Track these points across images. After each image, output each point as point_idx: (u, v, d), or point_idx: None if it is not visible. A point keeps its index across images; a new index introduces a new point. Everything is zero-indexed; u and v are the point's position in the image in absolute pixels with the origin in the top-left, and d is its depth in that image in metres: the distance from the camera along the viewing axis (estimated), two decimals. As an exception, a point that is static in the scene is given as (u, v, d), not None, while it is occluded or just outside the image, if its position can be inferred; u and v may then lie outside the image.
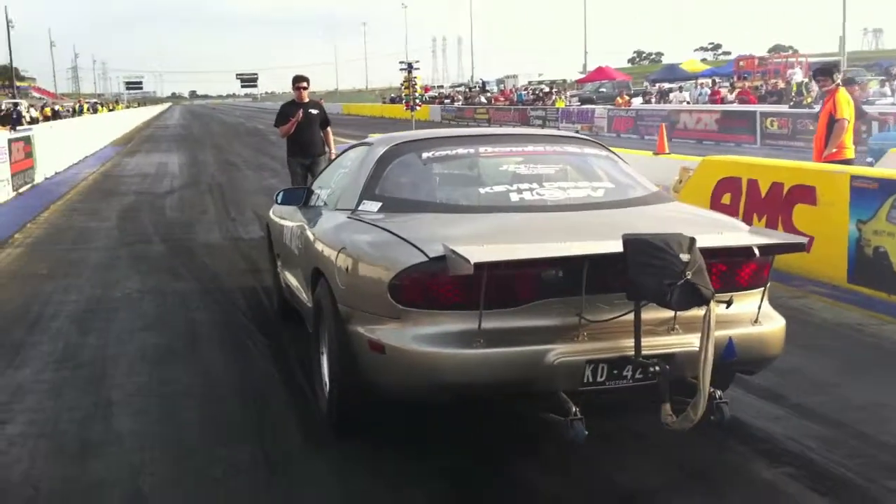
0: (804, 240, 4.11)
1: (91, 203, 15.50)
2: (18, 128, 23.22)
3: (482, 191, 4.75)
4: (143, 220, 13.06)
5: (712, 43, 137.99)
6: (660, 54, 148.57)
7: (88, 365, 5.80)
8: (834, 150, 9.26)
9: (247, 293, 7.80)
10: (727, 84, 42.82)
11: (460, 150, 5.14)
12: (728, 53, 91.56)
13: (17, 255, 10.24)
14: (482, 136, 5.75)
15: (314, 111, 10.75)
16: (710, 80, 43.93)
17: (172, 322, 6.90)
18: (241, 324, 6.79)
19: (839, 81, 9.60)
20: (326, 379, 4.52)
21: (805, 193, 8.18)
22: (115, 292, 8.02)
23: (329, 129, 10.96)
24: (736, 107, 32.35)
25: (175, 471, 4.14)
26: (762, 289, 4.13)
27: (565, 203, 4.55)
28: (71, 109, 60.28)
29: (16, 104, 45.49)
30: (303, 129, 10.60)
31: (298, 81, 10.77)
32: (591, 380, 3.77)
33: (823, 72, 9.75)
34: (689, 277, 3.49)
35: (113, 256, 9.99)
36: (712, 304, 3.57)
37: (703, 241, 3.69)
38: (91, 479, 4.04)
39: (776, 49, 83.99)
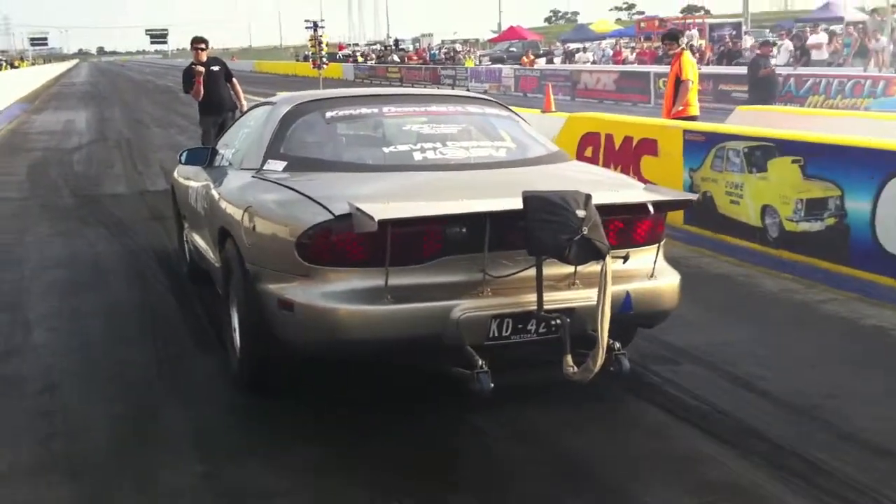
0: (694, 196, 4.29)
1: (1, 159, 15.94)
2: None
3: (386, 150, 4.85)
4: (51, 175, 13.64)
5: (627, 2, 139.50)
6: (576, 13, 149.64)
7: (6, 294, 6.61)
8: (680, 108, 10.42)
9: (150, 236, 8.63)
10: (632, 45, 44.22)
11: (364, 110, 5.23)
12: (642, 13, 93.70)
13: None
14: (386, 96, 5.84)
15: (215, 67, 11.08)
16: (612, 41, 45.28)
17: (81, 260, 7.69)
18: (143, 260, 7.64)
19: (684, 45, 10.74)
20: (238, 339, 4.59)
21: (649, 146, 9.33)
22: (27, 237, 8.77)
23: (235, 80, 11.30)
24: (631, 67, 33.66)
25: (82, 368, 5.04)
26: (657, 245, 4.33)
27: (467, 162, 4.67)
28: (-27, 66, 58.81)
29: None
30: (209, 87, 10.91)
31: (196, 43, 11.11)
32: (496, 334, 3.92)
33: (670, 36, 10.93)
34: (585, 233, 3.63)
35: (24, 207, 10.66)
36: (608, 258, 3.71)
37: (600, 198, 3.82)
38: (12, 375, 4.92)
39: (689, 10, 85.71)
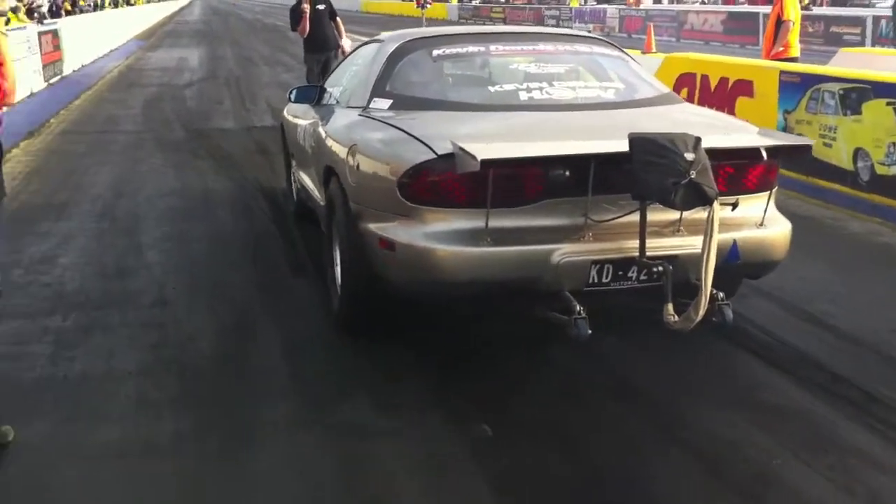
0: (811, 141, 4.00)
1: (118, 93, 16.72)
2: (45, 21, 24.20)
3: (492, 89, 4.78)
4: (165, 109, 14.28)
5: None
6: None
7: (122, 219, 7.14)
8: (780, 49, 10.30)
9: (256, 170, 9.09)
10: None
11: (471, 48, 5.12)
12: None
13: (55, 136, 11.60)
14: (494, 34, 5.71)
15: (321, 6, 11.22)
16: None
17: (191, 191, 8.19)
18: (248, 192, 8.09)
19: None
20: (339, 275, 4.65)
21: (745, 87, 9.29)
22: (142, 167, 9.34)
23: (339, 19, 11.48)
24: (739, 8, 32.75)
25: (189, 285, 5.49)
26: (769, 192, 4.12)
27: (574, 103, 4.56)
28: (92, 3, 60.79)
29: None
30: (314, 25, 11.10)
31: None
32: (595, 280, 3.84)
33: None
34: (693, 177, 3.49)
35: (139, 139, 11.29)
36: (716, 204, 3.57)
37: (710, 142, 3.66)
38: (127, 290, 5.39)
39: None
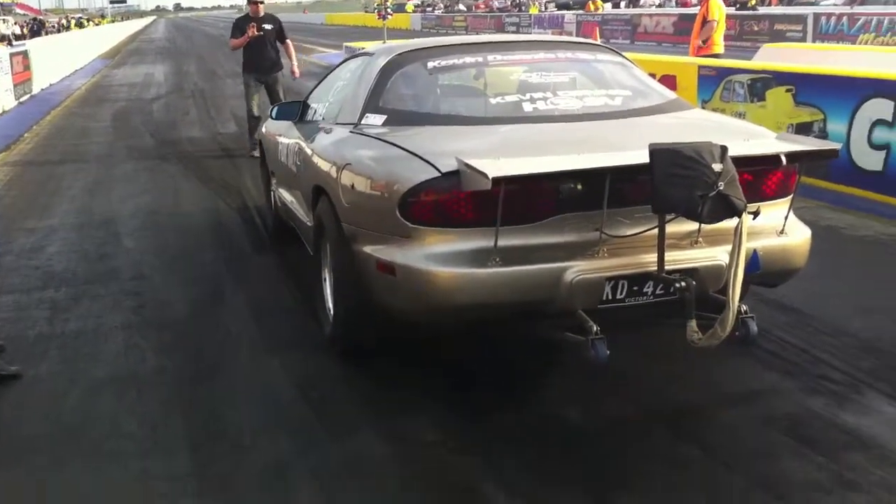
0: (837, 145, 3.81)
1: (87, 108, 17.40)
2: (14, 43, 24.84)
3: (493, 101, 4.52)
4: (134, 121, 14.98)
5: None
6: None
7: (99, 215, 7.87)
8: (703, 46, 11.23)
9: (221, 170, 9.85)
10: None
11: (467, 59, 4.86)
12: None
13: (31, 147, 12.32)
14: (489, 44, 5.38)
15: (269, 26, 10.67)
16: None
17: (162, 189, 8.94)
18: (215, 189, 8.84)
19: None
20: (330, 303, 4.46)
21: (669, 82, 10.14)
22: (115, 171, 10.07)
23: (289, 42, 11.02)
24: (688, 10, 33.80)
25: (163, 262, 6.26)
26: (789, 198, 3.97)
27: (582, 112, 4.31)
28: (57, 25, 61.21)
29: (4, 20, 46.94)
30: (257, 45, 10.56)
31: None
32: (610, 297, 3.65)
33: None
34: (721, 189, 3.32)
35: (111, 148, 12.00)
36: (744, 215, 3.41)
37: (735, 150, 3.50)
38: (108, 269, 6.14)
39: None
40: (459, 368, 4.33)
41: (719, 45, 11.39)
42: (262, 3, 10.80)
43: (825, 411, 3.70)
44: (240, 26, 10.73)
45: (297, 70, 11.22)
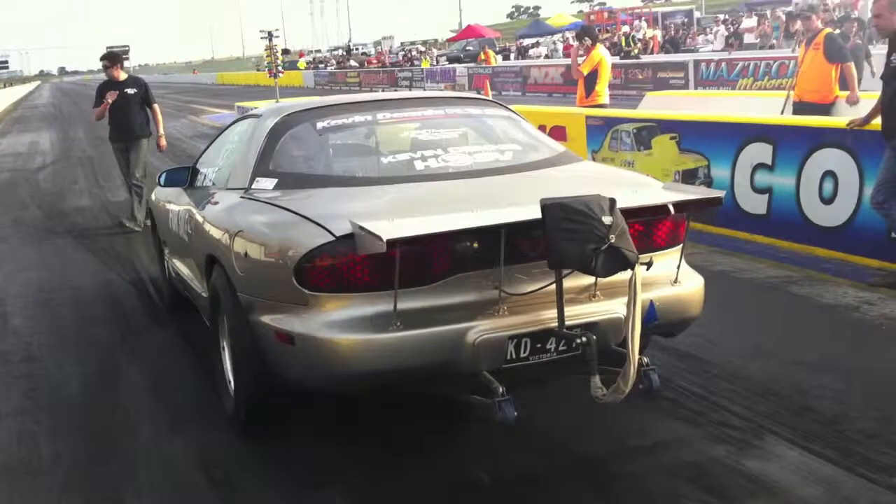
0: (721, 193, 3.91)
1: (-31, 181, 16.79)
2: None
3: (384, 160, 4.57)
4: (19, 193, 14.51)
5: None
6: (537, 8, 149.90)
7: (-15, 294, 7.58)
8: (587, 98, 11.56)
9: (111, 241, 9.63)
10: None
11: (357, 118, 4.83)
12: (604, 3, 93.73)
13: None
14: (378, 102, 5.35)
15: (132, 90, 10.09)
16: (560, 36, 46.61)
17: (50, 263, 8.69)
18: (104, 260, 8.62)
19: (593, 40, 11.81)
20: (230, 376, 4.34)
21: (559, 133, 10.40)
22: (1, 246, 9.72)
23: (156, 106, 10.32)
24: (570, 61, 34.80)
25: (55, 341, 6.06)
26: (680, 247, 4.03)
27: (473, 169, 4.34)
28: (-65, 94, 59.25)
29: None
30: (118, 110, 10.03)
31: (104, 60, 10.22)
32: (514, 356, 3.63)
33: (585, 31, 12.04)
34: (612, 241, 3.34)
35: (-5, 222, 11.60)
36: (637, 267, 3.44)
37: (623, 201, 3.53)
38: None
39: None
40: (368, 432, 4.29)
41: (604, 96, 11.70)
42: (109, 67, 10.16)
43: (728, 458, 3.78)
44: (100, 93, 10.17)
45: (163, 141, 10.48)
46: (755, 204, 7.43)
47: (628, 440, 4.04)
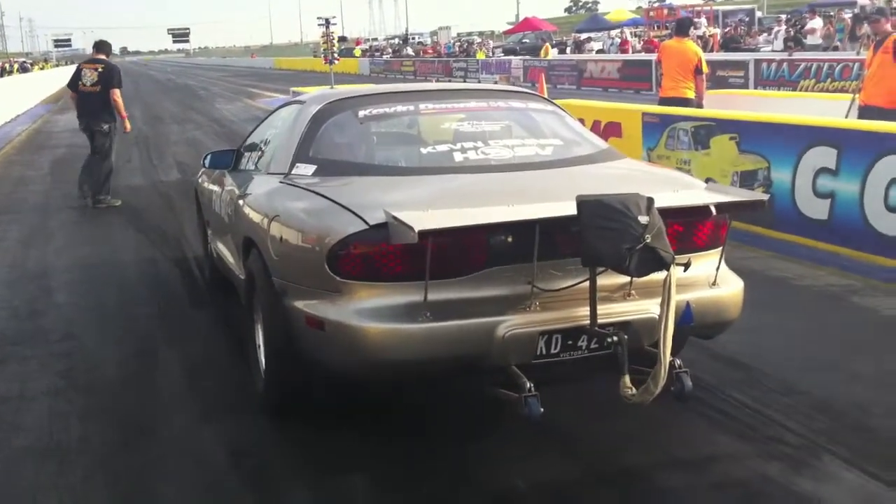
0: (764, 197, 3.81)
1: (26, 155, 17.01)
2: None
3: (423, 151, 4.50)
4: (74, 168, 14.59)
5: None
6: (596, 3, 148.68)
7: (33, 268, 7.59)
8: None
9: (160, 220, 9.64)
10: (639, 34, 44.98)
11: (399, 108, 4.80)
12: (663, 0, 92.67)
13: (-34, 197, 11.91)
14: (421, 92, 5.37)
15: (94, 84, 10.47)
16: (620, 31, 46.14)
17: (100, 238, 8.73)
18: (153, 239, 8.61)
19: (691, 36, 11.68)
20: (262, 356, 4.31)
21: (615, 129, 10.19)
22: (52, 222, 9.78)
23: (115, 91, 10.57)
24: (633, 56, 34.39)
25: (97, 318, 6.02)
26: (720, 249, 3.94)
27: (512, 162, 4.29)
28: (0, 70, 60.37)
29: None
30: (83, 98, 10.58)
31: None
32: (543, 352, 3.60)
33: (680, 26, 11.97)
34: (648, 241, 3.28)
35: (49, 197, 11.70)
36: (672, 268, 3.37)
37: (661, 201, 3.47)
38: (38, 328, 5.88)
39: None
40: (398, 423, 4.21)
41: (691, 90, 11.47)
42: (95, 48, 10.88)
43: (781, 478, 3.57)
44: (75, 75, 10.69)
45: (127, 124, 11.19)
46: (816, 209, 7.16)
47: (675, 452, 3.85)
